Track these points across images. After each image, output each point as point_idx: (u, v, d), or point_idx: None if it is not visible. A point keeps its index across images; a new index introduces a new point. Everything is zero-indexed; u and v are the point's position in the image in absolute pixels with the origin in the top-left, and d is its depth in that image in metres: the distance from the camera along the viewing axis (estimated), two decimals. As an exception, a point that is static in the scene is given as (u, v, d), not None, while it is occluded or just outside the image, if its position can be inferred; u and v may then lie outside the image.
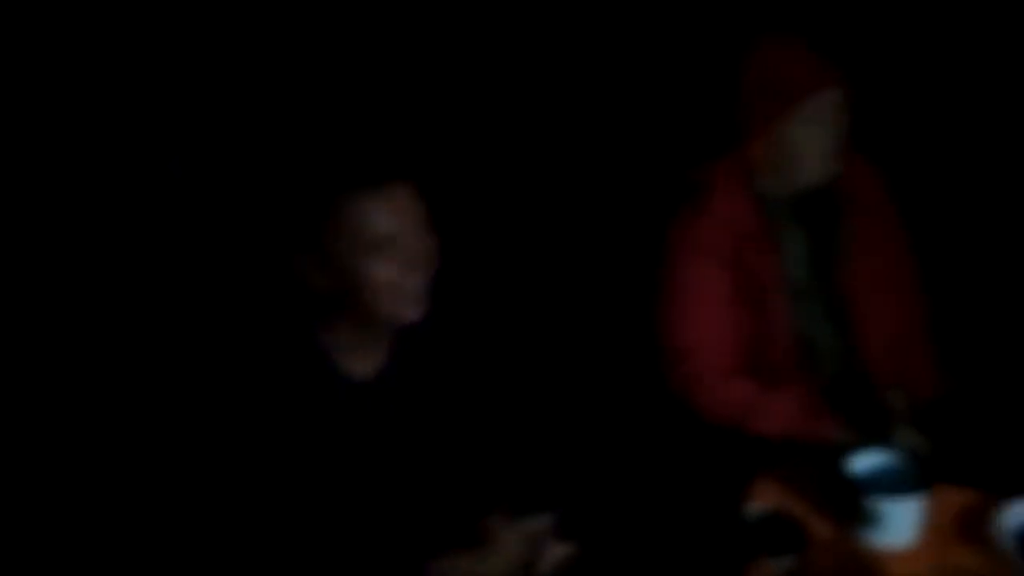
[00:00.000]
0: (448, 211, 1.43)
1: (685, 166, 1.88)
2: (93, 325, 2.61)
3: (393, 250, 1.33)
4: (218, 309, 2.47)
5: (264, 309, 1.46)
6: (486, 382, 1.54)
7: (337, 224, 1.32)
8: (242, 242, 2.62)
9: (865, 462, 1.49)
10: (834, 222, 1.82)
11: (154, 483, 2.18)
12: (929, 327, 1.92)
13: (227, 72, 2.81)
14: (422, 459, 1.47)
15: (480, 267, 2.12)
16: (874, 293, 1.82)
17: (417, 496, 1.46)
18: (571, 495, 1.52)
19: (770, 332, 1.81)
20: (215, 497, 1.39)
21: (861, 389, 1.82)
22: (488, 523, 1.38)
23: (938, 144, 2.81)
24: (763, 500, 1.53)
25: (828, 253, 1.83)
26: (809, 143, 1.72)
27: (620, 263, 2.26)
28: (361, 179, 1.33)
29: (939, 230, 2.26)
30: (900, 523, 1.40)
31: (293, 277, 1.36)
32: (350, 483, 1.41)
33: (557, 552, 1.40)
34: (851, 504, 1.43)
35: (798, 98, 1.69)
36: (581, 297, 2.72)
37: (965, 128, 2.80)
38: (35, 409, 2.45)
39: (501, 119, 3.08)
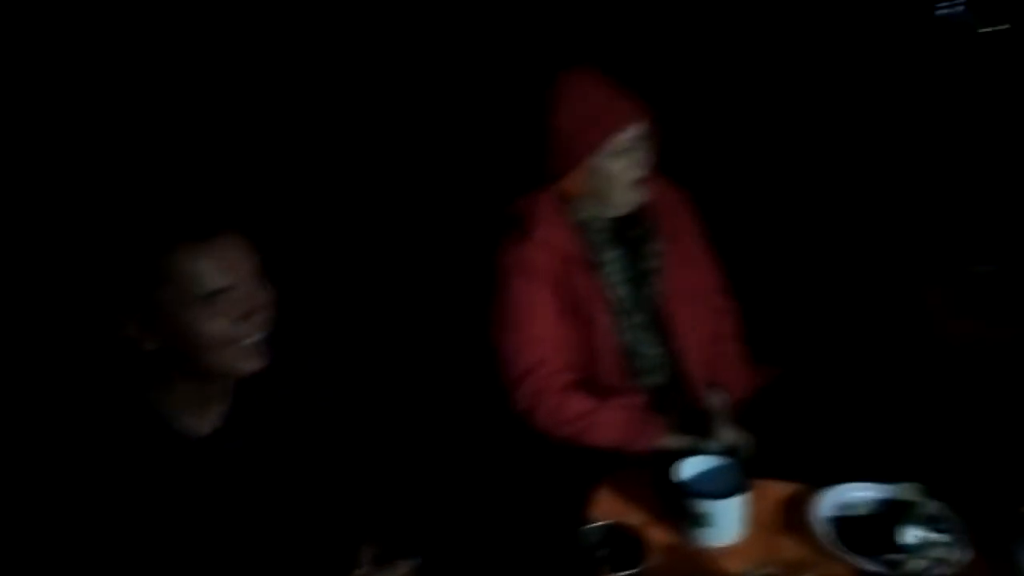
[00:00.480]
0: (282, 258, 1.41)
1: (506, 199, 1.94)
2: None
3: (226, 303, 1.30)
4: (46, 375, 2.30)
5: (94, 372, 1.38)
6: (332, 426, 1.52)
7: (165, 280, 1.27)
8: (66, 303, 2.45)
9: (691, 466, 1.59)
10: (648, 242, 1.93)
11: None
12: (740, 331, 2.07)
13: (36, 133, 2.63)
14: (276, 510, 1.44)
15: (317, 310, 2.10)
16: (688, 305, 1.94)
17: (275, 547, 1.43)
18: (431, 534, 1.52)
19: (598, 348, 1.88)
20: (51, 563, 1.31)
21: (683, 395, 1.93)
22: (355, 572, 1.37)
23: (739, 164, 3.04)
24: (602, 513, 1.58)
25: (645, 271, 1.93)
26: (621, 173, 1.82)
27: (452, 293, 2.29)
28: (187, 232, 1.29)
29: (745, 241, 2.43)
30: (726, 522, 1.49)
31: (122, 337, 1.31)
32: (197, 541, 1.36)
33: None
34: (682, 508, 1.51)
35: (609, 133, 1.79)
36: (416, 330, 2.74)
37: (763, 148, 3.04)
38: None
39: (328, 167, 3.05)
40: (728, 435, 1.83)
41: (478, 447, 2.04)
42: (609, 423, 1.82)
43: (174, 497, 1.35)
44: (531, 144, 1.86)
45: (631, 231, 1.92)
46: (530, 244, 1.86)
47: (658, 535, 1.53)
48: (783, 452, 1.84)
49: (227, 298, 1.30)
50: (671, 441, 1.80)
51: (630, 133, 1.80)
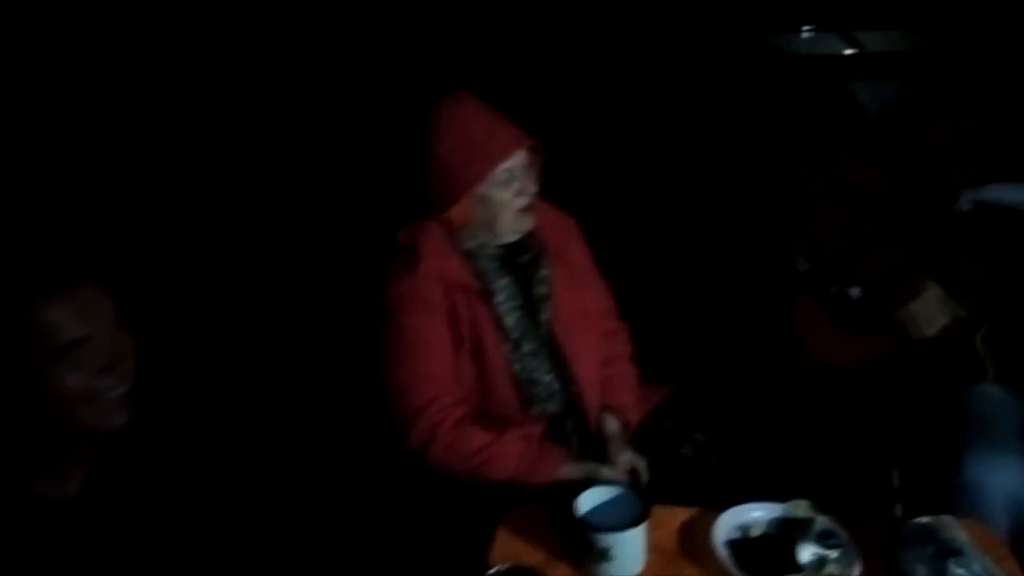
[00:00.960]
0: (147, 306, 1.33)
1: (393, 229, 1.90)
2: None
3: (84, 355, 1.21)
4: None
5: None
6: (202, 483, 1.44)
7: (17, 333, 1.18)
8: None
9: (590, 499, 1.56)
10: (537, 269, 1.91)
11: None
12: (632, 352, 2.08)
13: None
14: (149, 570, 1.34)
15: (188, 357, 2.01)
16: (579, 329, 1.94)
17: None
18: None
19: (492, 378, 1.86)
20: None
21: (579, 420, 1.91)
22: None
23: (623, 188, 3.08)
24: (502, 554, 1.54)
25: (535, 298, 1.91)
26: (507, 201, 1.80)
27: (340, 328, 2.23)
28: (39, 282, 1.20)
29: (631, 263, 2.46)
30: (628, 553, 1.47)
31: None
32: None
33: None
34: (583, 543, 1.49)
35: (494, 163, 1.77)
36: (303, 367, 2.65)
37: (645, 171, 3.10)
38: None
39: (204, 201, 2.95)
40: (625, 459, 1.83)
41: (370, 489, 1.98)
42: (506, 456, 1.79)
43: (37, 564, 1.25)
44: (416, 174, 1.82)
45: (520, 258, 1.90)
46: (419, 275, 1.82)
47: (561, 573, 1.50)
48: (681, 474, 1.85)
49: (85, 350, 1.21)
50: (569, 470, 1.78)
51: (514, 161, 1.79)
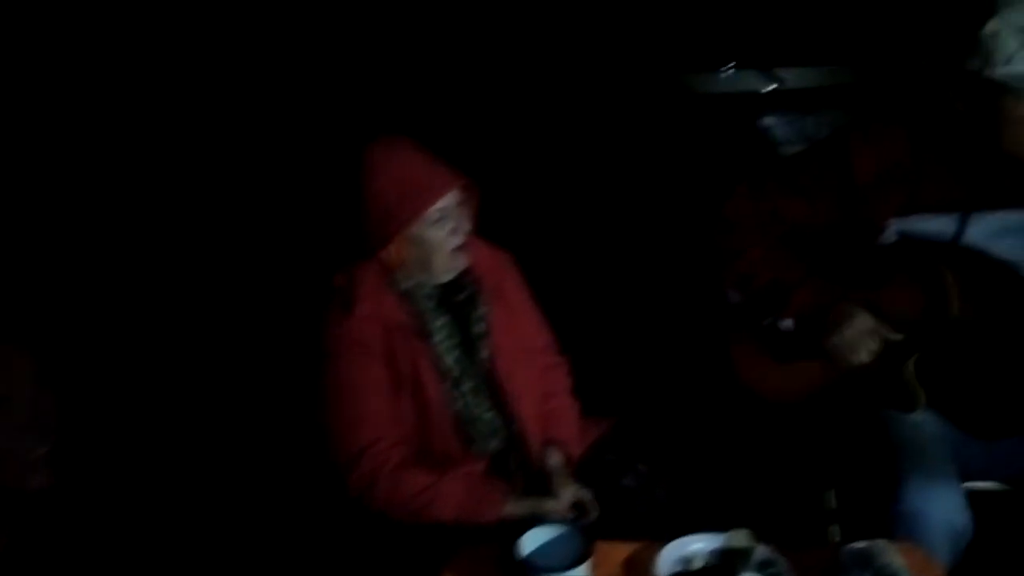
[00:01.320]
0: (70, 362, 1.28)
1: (329, 271, 1.88)
2: None
3: (1, 415, 1.17)
4: None
5: None
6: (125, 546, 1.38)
7: None
8: None
9: (533, 539, 1.56)
10: (474, 307, 1.92)
11: None
12: (572, 388, 2.08)
13: None
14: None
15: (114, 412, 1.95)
16: (518, 365, 1.94)
17: None
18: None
19: (432, 418, 1.85)
20: None
21: (522, 457, 1.91)
22: None
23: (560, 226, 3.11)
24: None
25: (473, 336, 1.91)
26: (441, 241, 1.80)
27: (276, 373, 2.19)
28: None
29: (568, 296, 2.47)
30: (572, 593, 1.47)
31: None
32: None
33: None
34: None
35: (427, 203, 1.77)
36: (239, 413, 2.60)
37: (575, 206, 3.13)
38: None
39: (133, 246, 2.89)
40: (569, 493, 1.82)
41: (313, 535, 1.94)
42: (449, 495, 1.78)
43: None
44: (350, 217, 1.82)
45: (457, 296, 1.90)
46: (356, 318, 1.81)
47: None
48: (625, 506, 1.86)
49: (2, 410, 1.16)
50: (513, 507, 1.77)
51: (447, 201, 1.79)
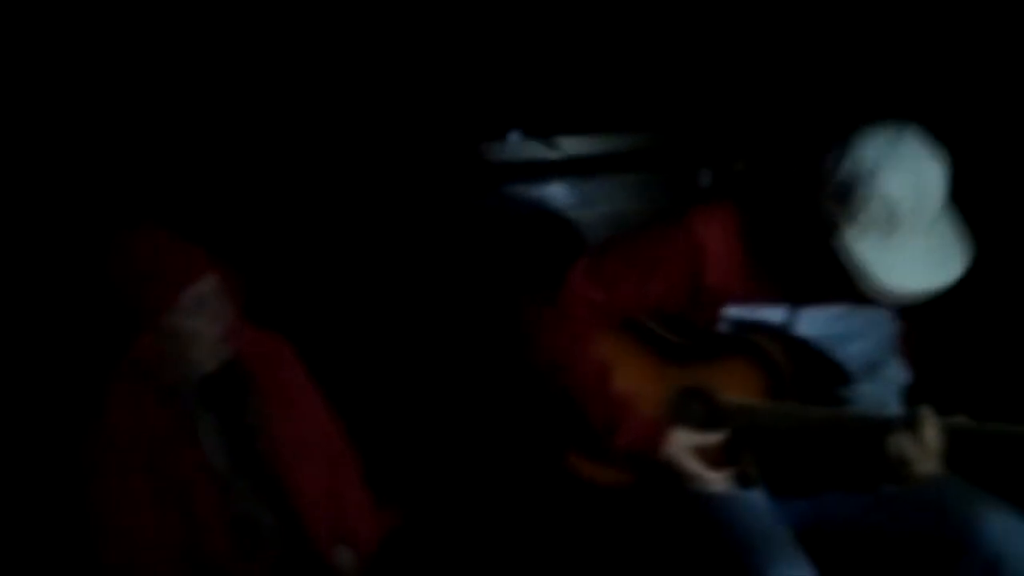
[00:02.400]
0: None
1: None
2: None
3: None
4: None
5: None
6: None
7: None
8: None
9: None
10: (245, 400, 1.78)
11: None
12: (362, 480, 1.96)
13: None
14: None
15: None
16: (300, 460, 1.81)
17: None
18: None
19: (204, 525, 1.70)
20: None
21: (309, 560, 1.78)
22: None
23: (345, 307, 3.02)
24: None
25: (246, 431, 1.77)
26: (198, 330, 1.67)
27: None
28: None
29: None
30: None
31: None
32: None
33: None
34: None
35: (175, 290, 1.63)
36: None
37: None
38: None
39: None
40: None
41: None
42: None
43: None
44: (97, 313, 1.68)
45: (224, 390, 1.76)
46: (109, 426, 1.68)
47: None
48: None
49: None
50: None
51: (201, 287, 1.66)
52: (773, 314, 1.75)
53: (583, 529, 2.07)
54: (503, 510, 2.46)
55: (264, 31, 3.01)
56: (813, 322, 1.75)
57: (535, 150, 3.53)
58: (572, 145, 3.55)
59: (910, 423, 1.55)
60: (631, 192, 3.61)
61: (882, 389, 1.78)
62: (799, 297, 1.75)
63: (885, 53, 3.39)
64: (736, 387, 1.75)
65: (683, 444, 1.74)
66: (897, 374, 1.81)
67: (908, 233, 1.55)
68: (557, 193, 3.53)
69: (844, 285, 1.65)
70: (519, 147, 3.54)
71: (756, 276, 1.73)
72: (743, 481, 1.76)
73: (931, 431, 1.53)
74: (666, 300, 1.76)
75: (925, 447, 1.53)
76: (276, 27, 3.06)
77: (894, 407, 1.72)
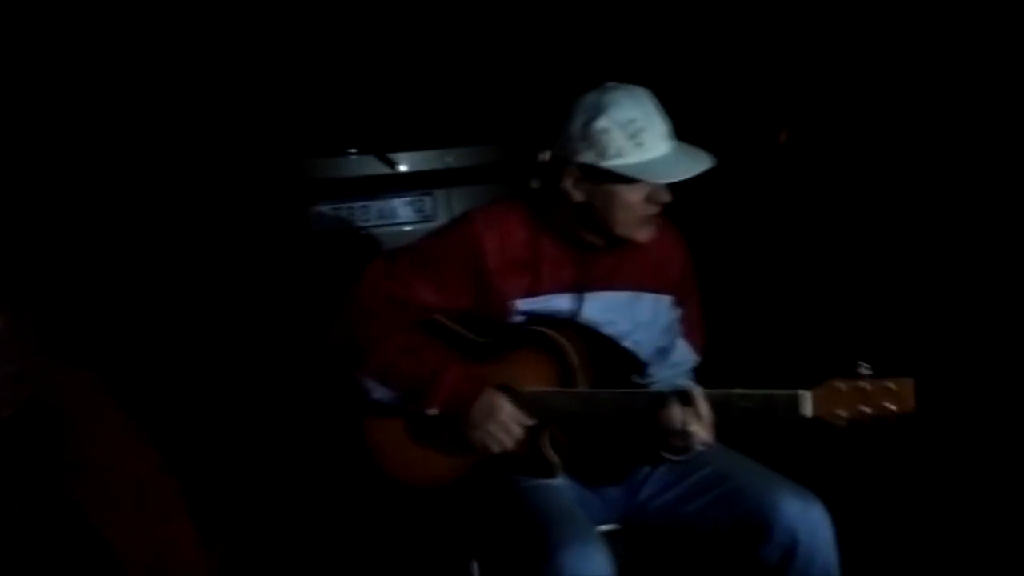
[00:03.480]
0: None
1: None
2: None
3: None
4: None
5: None
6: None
7: None
8: None
9: None
10: (47, 447, 1.68)
11: None
12: (186, 514, 1.89)
13: None
14: None
15: None
16: (113, 505, 1.70)
17: None
18: None
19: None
20: None
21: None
22: None
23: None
24: None
25: (52, 486, 1.66)
26: None
27: None
28: None
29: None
30: None
31: None
32: None
33: None
34: None
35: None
36: None
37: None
38: None
39: None
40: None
41: None
42: None
43: None
44: None
45: (22, 437, 1.66)
46: None
47: None
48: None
49: None
50: None
51: None
52: (561, 302, 1.84)
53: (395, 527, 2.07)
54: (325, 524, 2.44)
55: (70, 46, 2.90)
56: (598, 306, 1.85)
57: (375, 166, 3.54)
58: (411, 160, 3.58)
59: (684, 397, 1.67)
60: (472, 204, 3.67)
61: (672, 373, 1.91)
62: (582, 284, 1.85)
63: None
64: (531, 378, 1.81)
65: (505, 398, 1.79)
66: (685, 358, 1.95)
67: (653, 141, 1.72)
68: (398, 207, 3.54)
69: (622, 266, 1.83)
70: (359, 163, 3.54)
71: (540, 267, 1.83)
72: (543, 470, 1.81)
73: (701, 402, 1.66)
74: (457, 297, 1.85)
75: (699, 417, 1.65)
76: (87, 40, 2.95)
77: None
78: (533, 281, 1.83)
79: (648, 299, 1.89)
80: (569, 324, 1.83)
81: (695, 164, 1.72)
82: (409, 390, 1.81)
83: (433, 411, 1.79)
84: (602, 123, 1.70)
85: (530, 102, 3.53)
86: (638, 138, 1.70)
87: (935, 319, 3.53)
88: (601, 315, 1.85)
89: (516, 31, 3.74)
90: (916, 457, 2.92)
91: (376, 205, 3.46)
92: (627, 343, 1.87)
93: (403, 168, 3.55)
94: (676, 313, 1.94)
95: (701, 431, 1.65)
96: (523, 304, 1.83)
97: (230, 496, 2.55)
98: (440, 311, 1.88)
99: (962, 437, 2.96)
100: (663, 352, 1.92)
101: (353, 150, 3.57)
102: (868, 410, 1.55)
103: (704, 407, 1.66)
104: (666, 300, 1.91)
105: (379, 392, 1.85)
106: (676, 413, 1.66)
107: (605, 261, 1.85)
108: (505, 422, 1.76)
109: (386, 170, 3.48)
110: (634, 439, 1.82)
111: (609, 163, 1.71)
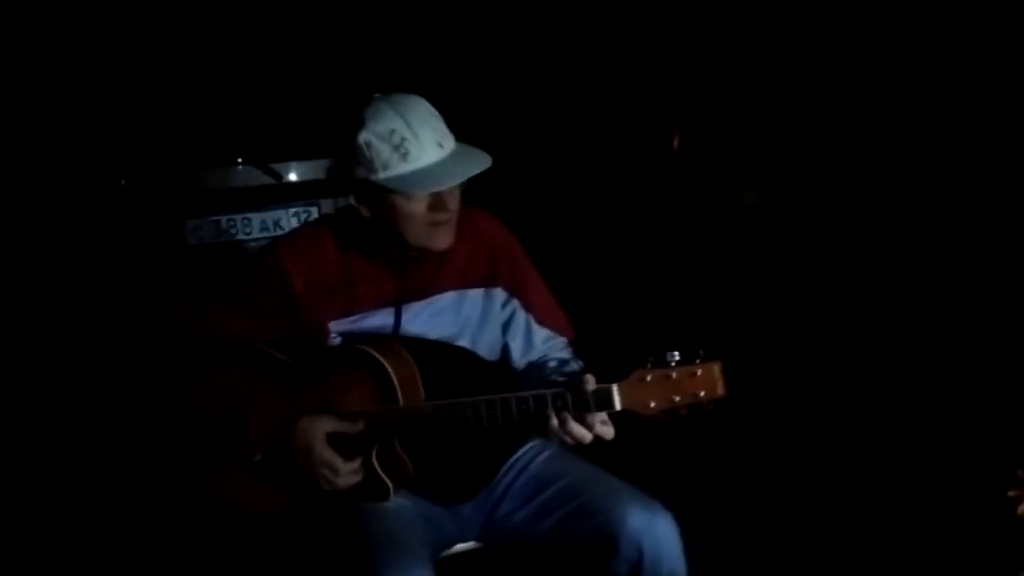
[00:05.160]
0: None
1: None
2: None
3: None
4: None
5: None
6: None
7: None
8: None
9: None
10: None
11: None
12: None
13: None
14: None
15: None
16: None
17: None
18: None
19: None
20: None
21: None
22: None
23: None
24: None
25: None
26: None
27: None
28: None
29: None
30: None
31: None
32: None
33: None
34: None
35: None
36: None
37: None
38: None
39: None
40: None
41: None
42: None
43: None
44: None
45: None
46: None
47: None
48: None
49: None
50: None
51: None
52: (381, 319, 1.81)
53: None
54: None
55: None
56: (420, 316, 1.82)
57: (258, 176, 3.47)
58: (296, 170, 3.52)
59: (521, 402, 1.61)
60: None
61: (542, 359, 1.88)
62: (402, 297, 1.82)
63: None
64: (353, 398, 1.76)
65: (321, 429, 1.73)
66: (550, 343, 1.91)
67: (419, 149, 1.69)
68: (283, 218, 3.48)
69: (442, 269, 1.81)
70: (241, 174, 3.47)
71: (355, 287, 1.80)
72: (377, 492, 1.76)
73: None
74: (272, 324, 1.81)
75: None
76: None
77: (562, 371, 1.82)
78: (349, 301, 1.80)
79: (475, 295, 1.84)
80: (394, 339, 1.80)
81: (468, 167, 1.70)
82: (228, 440, 1.77)
83: (256, 458, 1.76)
84: (363, 137, 1.68)
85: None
86: (402, 148, 1.67)
87: (770, 312, 3.63)
88: (425, 324, 1.82)
89: (398, 38, 3.71)
90: (766, 463, 2.96)
91: (259, 217, 3.39)
92: (463, 343, 1.84)
93: (289, 178, 3.49)
94: (515, 303, 1.89)
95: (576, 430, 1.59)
96: (340, 325, 1.80)
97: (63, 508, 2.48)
98: (258, 340, 1.83)
99: (814, 442, 3.01)
100: (517, 343, 1.88)
101: (239, 160, 3.49)
102: (678, 398, 1.52)
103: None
104: (498, 293, 1.87)
105: (202, 441, 1.81)
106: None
107: (424, 269, 1.82)
108: (324, 459, 1.71)
109: (270, 180, 3.41)
110: (482, 452, 1.79)
111: (379, 177, 1.69)
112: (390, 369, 1.73)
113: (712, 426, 1.60)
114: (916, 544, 2.43)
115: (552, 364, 1.87)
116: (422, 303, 1.83)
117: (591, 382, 1.57)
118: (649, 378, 1.54)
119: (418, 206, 1.71)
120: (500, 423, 1.64)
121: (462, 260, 1.85)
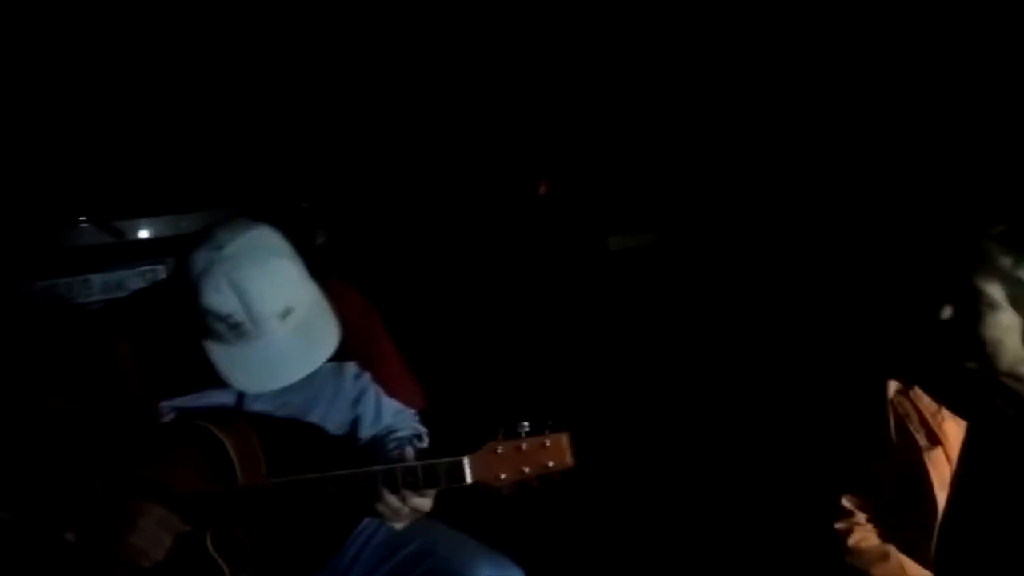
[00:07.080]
0: None
1: None
2: None
3: None
4: None
5: None
6: None
7: None
8: None
9: None
10: None
11: None
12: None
13: None
14: None
15: None
16: None
17: None
18: None
19: None
20: None
21: None
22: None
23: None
24: None
25: None
26: None
27: None
28: None
29: None
30: None
31: None
32: None
33: None
34: None
35: None
36: None
37: None
38: None
39: None
40: None
41: None
42: None
43: None
44: None
45: None
46: None
47: None
48: None
49: None
50: None
51: None
52: (222, 396, 1.72)
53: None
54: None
55: None
56: (264, 396, 1.73)
57: (97, 235, 3.28)
58: (140, 227, 3.34)
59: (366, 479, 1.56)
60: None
61: (388, 434, 1.83)
62: None
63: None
64: (187, 477, 1.66)
65: (149, 513, 1.60)
66: (399, 416, 1.87)
67: (258, 328, 1.57)
68: (126, 279, 3.28)
69: None
70: (79, 233, 3.26)
71: (188, 365, 1.68)
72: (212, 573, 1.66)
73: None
74: (99, 403, 1.69)
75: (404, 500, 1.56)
76: None
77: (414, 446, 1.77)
78: (184, 378, 1.70)
79: (325, 371, 1.74)
80: (237, 415, 1.72)
81: (308, 359, 1.61)
82: (38, 516, 1.62)
83: (70, 536, 1.61)
84: (201, 305, 1.56)
85: (267, 165, 3.42)
86: (240, 329, 1.57)
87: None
88: (270, 401, 1.75)
89: (250, 93, 3.62)
90: (617, 518, 2.97)
91: (99, 278, 3.18)
92: (312, 419, 1.78)
93: (136, 235, 3.30)
94: (367, 377, 1.85)
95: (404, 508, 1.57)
96: (174, 403, 1.72)
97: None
98: (82, 416, 1.70)
99: (669, 499, 3.04)
100: (368, 416, 1.83)
101: (82, 218, 3.28)
102: (527, 469, 1.50)
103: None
104: (350, 367, 1.83)
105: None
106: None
107: None
108: (149, 545, 1.60)
109: (111, 239, 3.22)
110: (328, 522, 1.74)
111: (207, 343, 1.59)
112: (228, 445, 1.65)
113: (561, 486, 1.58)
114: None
115: (400, 436, 1.82)
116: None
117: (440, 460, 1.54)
118: (500, 450, 1.53)
119: None
120: (347, 499, 1.58)
121: None
